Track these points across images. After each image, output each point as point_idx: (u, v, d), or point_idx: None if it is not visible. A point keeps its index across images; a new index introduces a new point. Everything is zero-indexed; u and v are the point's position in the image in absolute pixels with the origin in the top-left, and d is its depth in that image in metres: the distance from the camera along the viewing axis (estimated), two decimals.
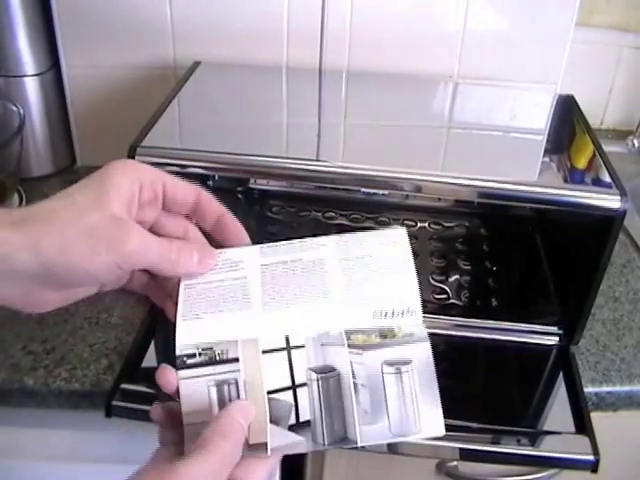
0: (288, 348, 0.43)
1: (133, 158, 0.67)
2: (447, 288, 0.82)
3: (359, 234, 0.47)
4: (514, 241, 0.91)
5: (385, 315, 0.43)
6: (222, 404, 0.41)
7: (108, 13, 0.91)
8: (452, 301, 0.80)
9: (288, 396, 0.42)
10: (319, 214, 0.94)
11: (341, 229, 0.92)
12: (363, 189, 0.88)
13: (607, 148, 0.75)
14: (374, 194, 0.94)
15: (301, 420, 0.41)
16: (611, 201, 0.64)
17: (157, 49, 0.94)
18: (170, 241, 0.44)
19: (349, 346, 0.42)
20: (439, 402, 0.42)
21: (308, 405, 0.42)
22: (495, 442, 0.65)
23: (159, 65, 0.95)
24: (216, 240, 0.47)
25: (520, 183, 0.66)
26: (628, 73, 1.14)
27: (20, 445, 0.72)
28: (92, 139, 1.00)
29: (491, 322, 0.75)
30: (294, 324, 0.43)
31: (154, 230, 0.46)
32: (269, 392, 0.42)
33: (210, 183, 0.87)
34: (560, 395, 0.69)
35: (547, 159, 0.74)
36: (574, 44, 0.95)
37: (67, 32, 0.92)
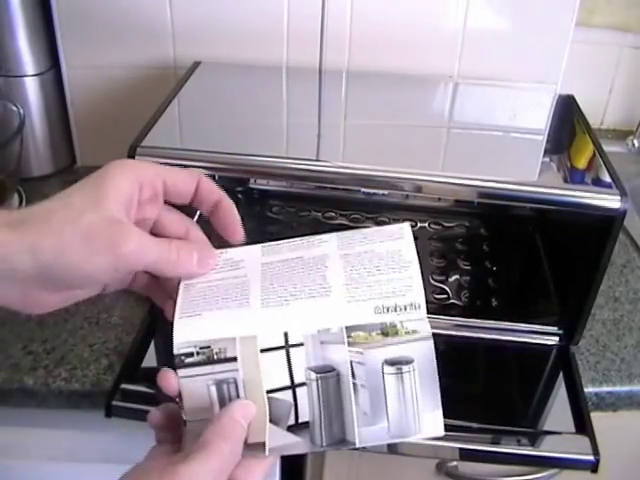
0: (287, 346, 0.42)
1: (133, 158, 0.67)
2: (447, 288, 0.82)
3: (362, 230, 0.46)
4: (514, 241, 0.91)
5: (387, 310, 0.42)
6: (222, 402, 0.41)
7: (108, 13, 0.91)
8: (452, 301, 0.80)
9: (288, 395, 0.41)
10: (319, 214, 0.94)
11: (341, 229, 0.91)
12: (363, 189, 0.88)
13: (607, 148, 0.75)
14: (374, 194, 0.94)
15: (300, 421, 0.41)
16: (611, 201, 0.64)
17: (157, 49, 0.94)
18: (169, 242, 0.43)
19: (349, 344, 0.41)
20: (439, 402, 0.41)
21: (307, 405, 0.41)
22: (495, 442, 0.65)
23: (159, 65, 0.95)
24: (212, 226, 0.47)
25: (520, 183, 0.66)
26: (628, 73, 1.14)
27: (20, 445, 0.72)
28: (92, 139, 1.00)
29: (491, 322, 0.75)
30: (293, 321, 0.42)
31: (155, 229, 0.46)
32: (268, 391, 0.41)
33: None
34: (560, 395, 0.69)
35: (547, 159, 0.74)
36: (574, 44, 0.95)
37: (67, 32, 0.92)
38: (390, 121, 0.80)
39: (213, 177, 0.87)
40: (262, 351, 0.41)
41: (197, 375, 0.41)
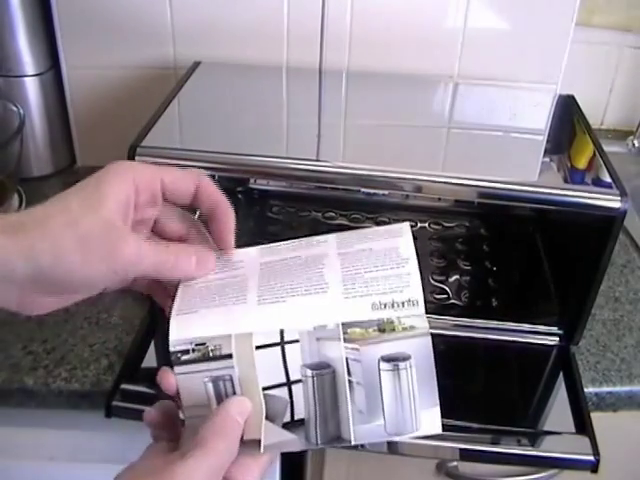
0: (282, 343, 0.41)
1: (133, 158, 0.67)
2: (447, 288, 0.82)
3: (361, 230, 0.46)
4: (514, 241, 0.91)
5: (385, 306, 0.41)
6: (219, 399, 0.41)
7: (108, 13, 0.91)
8: (452, 301, 0.80)
9: (283, 392, 0.41)
10: (319, 214, 0.94)
11: (341, 229, 0.91)
12: (363, 189, 0.87)
13: (607, 148, 0.75)
14: (374, 194, 0.94)
15: (296, 418, 0.41)
16: (611, 201, 0.64)
17: (157, 49, 0.94)
18: (167, 246, 0.43)
19: (346, 341, 0.41)
20: (437, 399, 0.41)
21: (303, 402, 0.41)
22: (495, 442, 0.65)
23: (159, 65, 0.95)
24: (208, 226, 0.47)
25: (520, 183, 0.66)
26: (628, 73, 1.14)
27: (20, 445, 0.72)
28: (92, 139, 1.00)
29: (491, 322, 0.75)
30: (289, 318, 0.42)
31: (155, 229, 0.46)
32: (264, 388, 0.41)
33: None
34: (560, 395, 0.69)
35: (547, 159, 0.74)
36: (574, 44, 0.95)
37: (67, 32, 0.92)
38: (390, 121, 0.80)
39: (213, 177, 0.87)
40: (257, 348, 0.41)
41: (193, 372, 0.41)
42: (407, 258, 0.43)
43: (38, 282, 0.39)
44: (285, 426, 0.41)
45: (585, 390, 0.69)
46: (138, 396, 0.65)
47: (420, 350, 0.41)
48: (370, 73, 0.94)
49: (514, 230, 0.91)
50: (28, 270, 0.38)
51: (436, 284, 0.82)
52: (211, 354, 0.41)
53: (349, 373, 0.41)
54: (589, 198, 0.65)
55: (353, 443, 0.41)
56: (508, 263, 0.87)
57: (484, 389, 0.73)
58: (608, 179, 0.68)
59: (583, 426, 0.65)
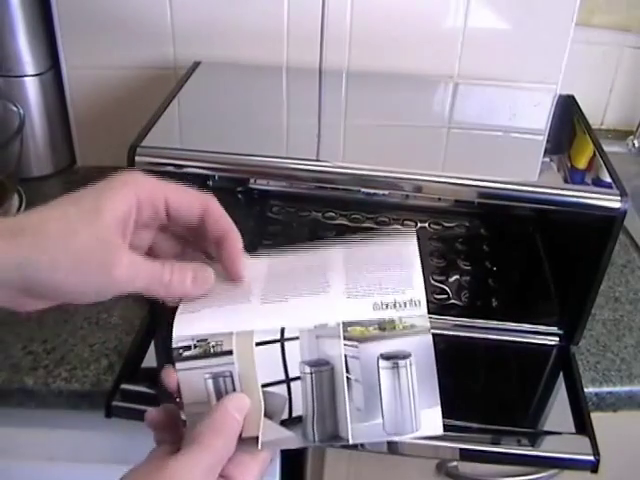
0: (282, 340, 0.41)
1: (133, 158, 0.67)
2: (447, 288, 0.82)
3: (366, 236, 0.46)
4: (514, 241, 0.91)
5: (386, 306, 0.41)
6: (219, 396, 0.41)
7: (108, 13, 0.91)
8: (452, 301, 0.80)
9: (282, 389, 0.41)
10: (319, 214, 0.94)
11: (341, 229, 0.92)
12: (363, 189, 0.88)
13: (607, 148, 0.75)
14: (374, 194, 0.94)
15: (294, 415, 0.41)
16: (611, 201, 0.64)
17: (157, 49, 0.94)
18: (162, 264, 0.42)
19: (345, 338, 0.40)
20: (438, 399, 0.41)
21: (301, 399, 0.41)
22: (495, 442, 0.65)
23: (159, 65, 0.95)
24: (214, 254, 0.45)
25: (520, 183, 0.66)
26: (628, 73, 1.14)
27: (20, 445, 0.72)
28: (92, 139, 1.00)
29: (491, 322, 0.75)
30: (290, 316, 0.42)
31: (150, 247, 0.45)
32: (263, 385, 0.41)
33: (210, 183, 0.87)
34: (560, 395, 0.69)
35: (547, 159, 0.74)
36: (574, 44, 0.95)
37: (67, 32, 0.92)
38: (390, 121, 0.80)
39: (213, 177, 0.87)
40: (257, 345, 0.41)
41: (194, 368, 0.41)
42: (411, 261, 0.43)
43: (27, 290, 0.39)
44: (283, 423, 0.41)
45: (585, 390, 0.69)
46: (138, 396, 0.65)
47: (421, 348, 0.40)
48: (370, 73, 0.94)
49: (514, 230, 0.91)
50: (18, 278, 0.38)
51: (436, 284, 0.82)
52: (212, 350, 0.41)
53: (348, 370, 0.40)
54: (589, 198, 0.65)
55: (351, 442, 0.40)
56: (508, 263, 0.87)
57: (484, 389, 0.73)
58: (608, 179, 0.68)
59: (583, 426, 0.65)
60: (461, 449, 0.64)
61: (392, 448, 0.64)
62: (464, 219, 0.95)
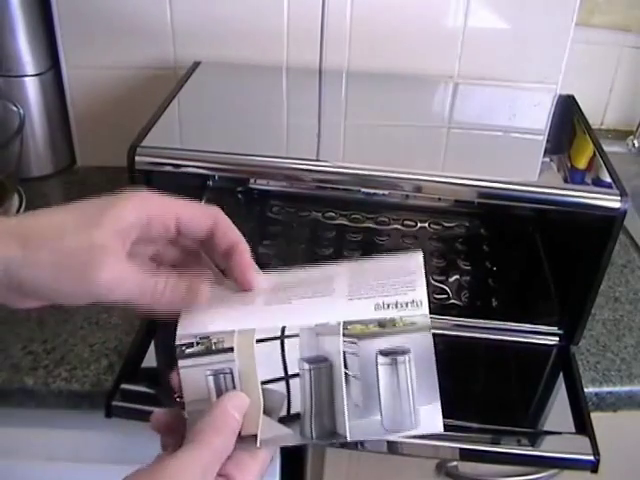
0: (282, 337, 0.41)
1: (133, 158, 0.67)
2: (447, 288, 0.82)
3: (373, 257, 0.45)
4: (514, 241, 0.91)
5: (388, 307, 0.41)
6: (219, 393, 0.41)
7: (108, 13, 0.91)
8: (452, 301, 0.80)
9: (281, 387, 0.41)
10: (319, 214, 0.94)
11: (341, 229, 0.92)
12: (363, 189, 0.88)
13: (607, 148, 0.75)
14: (374, 194, 0.94)
15: (292, 412, 0.41)
16: (611, 201, 0.64)
17: (157, 49, 0.94)
18: (155, 274, 0.41)
19: (345, 335, 0.40)
20: (438, 396, 0.40)
21: (300, 396, 0.41)
22: (495, 442, 0.65)
23: (159, 65, 0.95)
24: (225, 269, 0.45)
25: (520, 183, 0.66)
26: (628, 73, 1.14)
27: (20, 445, 0.72)
28: (92, 139, 1.00)
29: (491, 322, 0.75)
30: (292, 316, 0.42)
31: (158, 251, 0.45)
32: (263, 382, 0.41)
33: (210, 183, 0.87)
34: (560, 395, 0.69)
35: (547, 159, 0.74)
36: (574, 44, 0.95)
37: (67, 32, 0.92)
38: (390, 121, 0.80)
39: (213, 177, 0.87)
40: (258, 342, 0.41)
41: (196, 365, 0.41)
42: (415, 270, 0.43)
43: (14, 287, 0.39)
44: (281, 421, 0.41)
45: (585, 390, 0.69)
46: (138, 396, 0.65)
47: (420, 345, 0.40)
48: (370, 73, 0.94)
49: (514, 230, 0.91)
50: (3, 275, 0.38)
51: (436, 284, 0.82)
52: (214, 347, 0.41)
53: (346, 367, 0.40)
54: (589, 198, 0.65)
55: (349, 439, 0.40)
56: (508, 263, 0.87)
57: (484, 389, 0.73)
58: (608, 179, 0.68)
59: (583, 426, 0.65)
60: (461, 449, 0.64)
61: (392, 448, 0.64)
62: (464, 219, 0.95)
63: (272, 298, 0.43)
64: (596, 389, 0.70)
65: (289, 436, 0.40)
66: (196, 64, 0.89)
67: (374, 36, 0.93)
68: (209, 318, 0.43)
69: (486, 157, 0.73)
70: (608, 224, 0.65)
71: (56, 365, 0.68)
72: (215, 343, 0.41)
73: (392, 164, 0.67)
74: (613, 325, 0.78)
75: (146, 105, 0.75)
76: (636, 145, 1.13)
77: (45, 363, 0.68)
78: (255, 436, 0.40)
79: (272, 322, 0.42)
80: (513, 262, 0.88)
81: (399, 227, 0.93)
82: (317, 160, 0.68)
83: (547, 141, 0.79)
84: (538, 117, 0.87)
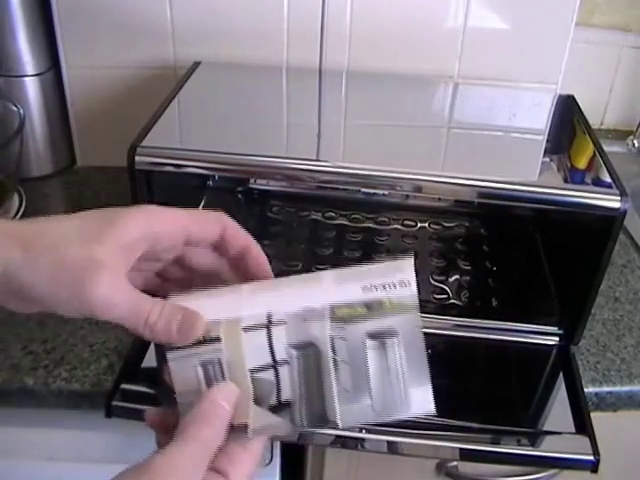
0: (269, 325, 0.40)
1: (133, 158, 0.67)
2: (447, 288, 0.82)
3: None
4: (514, 241, 0.92)
5: (375, 288, 0.40)
6: (210, 384, 0.40)
7: (108, 13, 0.91)
8: (452, 301, 0.80)
9: (270, 375, 0.40)
10: (319, 214, 0.94)
11: (341, 229, 0.92)
12: (363, 189, 0.88)
13: (607, 148, 0.75)
14: (374, 194, 0.94)
15: (282, 400, 0.40)
16: (611, 201, 0.64)
17: (157, 49, 0.94)
18: (153, 302, 0.40)
19: (332, 319, 0.40)
20: (428, 377, 0.39)
21: (289, 384, 0.40)
22: (495, 442, 0.65)
23: (159, 65, 0.95)
24: (239, 270, 0.45)
25: (520, 183, 0.66)
26: (628, 73, 1.14)
27: (20, 445, 0.72)
28: (92, 139, 1.00)
29: (491, 322, 0.75)
30: (279, 302, 0.41)
31: (185, 265, 0.44)
32: (251, 371, 0.40)
33: (210, 183, 0.87)
34: (560, 395, 0.69)
35: (547, 159, 0.74)
36: (574, 44, 0.95)
37: (67, 32, 0.92)
38: (390, 121, 0.80)
39: (213, 177, 0.87)
40: (245, 330, 0.40)
41: (184, 357, 0.41)
42: (403, 262, 0.42)
43: (12, 290, 0.39)
44: (272, 409, 0.40)
45: (585, 390, 0.69)
46: (138, 396, 0.65)
47: (409, 326, 0.40)
48: (370, 73, 0.94)
49: (514, 230, 0.91)
50: (3, 276, 0.38)
51: (436, 284, 0.82)
52: (202, 337, 0.41)
53: (334, 351, 0.40)
54: (589, 198, 0.65)
55: (340, 425, 0.40)
56: (508, 263, 0.87)
57: (484, 389, 0.73)
58: (608, 179, 0.68)
59: (583, 426, 0.65)
60: (461, 449, 0.64)
61: (392, 448, 0.64)
62: (464, 219, 0.95)
63: (258, 287, 0.43)
64: (596, 389, 0.70)
65: (280, 424, 0.40)
66: (196, 64, 0.89)
67: (374, 36, 0.93)
68: (195, 308, 0.42)
69: (486, 157, 0.73)
70: (608, 224, 0.65)
71: (56, 365, 0.68)
72: (203, 334, 0.41)
73: (392, 164, 0.67)
74: (613, 325, 0.78)
75: (146, 105, 0.75)
76: (636, 145, 1.13)
77: (45, 363, 0.68)
78: (246, 426, 0.39)
79: (258, 309, 0.41)
80: (513, 262, 0.88)
81: (399, 227, 0.93)
82: (317, 160, 0.68)
83: (547, 141, 0.79)
84: (538, 117, 0.87)
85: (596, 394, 0.70)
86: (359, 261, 0.42)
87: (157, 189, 0.70)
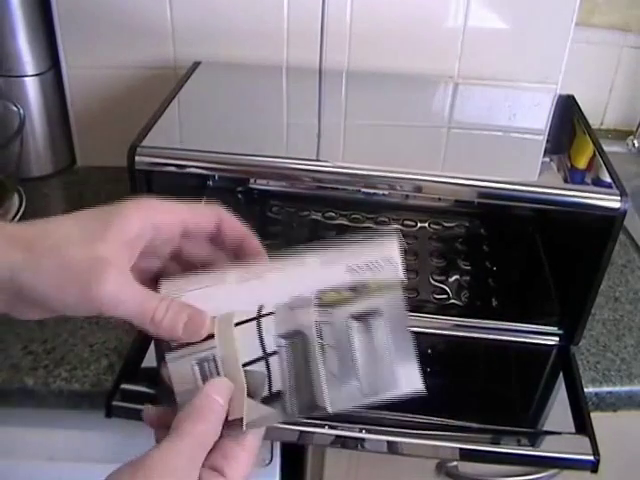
0: (258, 317, 0.41)
1: (133, 158, 0.67)
2: (447, 288, 0.82)
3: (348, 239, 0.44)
4: (514, 241, 0.91)
5: (359, 267, 0.41)
6: (205, 381, 0.41)
7: (108, 13, 0.91)
8: (452, 301, 0.80)
9: (261, 366, 0.40)
10: (319, 214, 0.94)
11: (341, 229, 0.92)
12: (363, 189, 0.88)
13: (607, 148, 0.75)
14: (374, 194, 0.94)
15: (273, 390, 0.40)
16: (611, 201, 0.64)
17: (157, 49, 0.94)
18: (159, 299, 0.40)
19: (318, 305, 0.40)
20: (414, 355, 0.39)
21: (280, 374, 0.40)
22: (495, 442, 0.65)
23: (159, 65, 0.95)
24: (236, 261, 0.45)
25: (520, 183, 0.66)
26: (628, 73, 1.14)
27: (20, 445, 0.72)
28: (92, 139, 1.00)
29: (491, 322, 0.75)
30: (267, 292, 0.41)
31: (182, 257, 0.44)
32: (244, 365, 0.40)
33: (210, 183, 0.87)
34: (560, 395, 0.69)
35: (547, 159, 0.74)
36: (574, 44, 0.95)
37: (67, 32, 0.92)
38: (390, 121, 0.80)
39: (213, 177, 0.87)
40: (236, 325, 0.41)
41: (181, 357, 0.41)
42: (388, 240, 0.42)
43: (18, 295, 0.39)
44: (264, 401, 0.40)
45: (585, 390, 0.69)
46: (138, 396, 0.65)
47: (392, 304, 0.40)
48: (370, 73, 0.94)
49: (514, 230, 0.91)
50: (8, 283, 0.38)
51: (436, 284, 0.82)
52: None
53: (321, 337, 0.40)
54: (589, 198, 0.65)
55: (330, 410, 0.39)
56: (508, 263, 0.87)
57: (484, 389, 0.73)
58: (608, 179, 0.68)
59: (583, 426, 0.65)
60: (461, 449, 0.63)
61: (392, 448, 0.64)
62: (464, 219, 0.95)
63: (243, 274, 0.43)
64: (596, 389, 0.70)
65: (273, 415, 0.40)
66: (196, 64, 0.89)
67: (374, 36, 0.93)
68: (191, 302, 0.42)
69: (486, 157, 0.73)
70: (608, 224, 0.65)
71: (56, 365, 0.68)
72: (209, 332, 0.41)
73: (392, 164, 0.67)
74: (613, 325, 0.78)
75: (146, 105, 0.75)
76: (636, 145, 1.13)
77: (45, 363, 0.68)
78: (241, 420, 0.39)
79: (249, 302, 0.41)
80: (513, 262, 0.88)
81: (399, 227, 0.93)
82: (317, 160, 0.68)
83: (547, 141, 0.79)
84: (538, 117, 0.87)
85: (596, 394, 0.70)
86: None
87: (157, 189, 0.70)
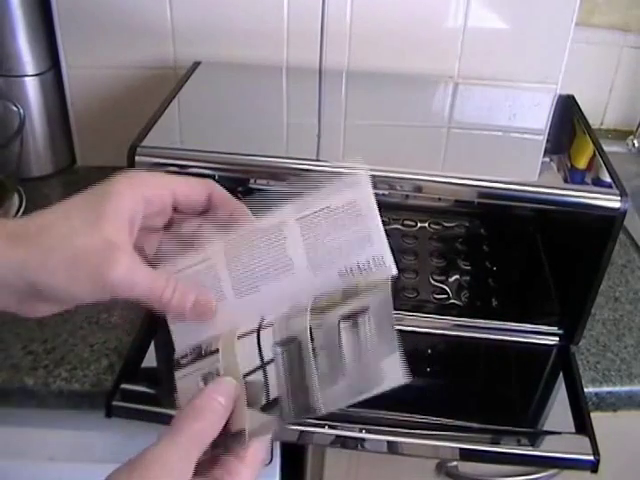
0: (259, 329, 0.42)
1: (133, 158, 0.67)
2: (447, 288, 0.82)
3: (318, 186, 0.44)
4: (514, 241, 0.92)
5: (351, 270, 0.41)
6: None
7: (108, 13, 0.91)
8: (452, 301, 0.80)
9: (259, 375, 0.41)
10: None
11: None
12: None
13: (607, 148, 0.75)
14: (374, 194, 0.94)
15: (271, 398, 0.41)
16: (611, 201, 0.64)
17: (157, 49, 0.94)
18: (166, 280, 0.41)
19: (312, 310, 0.41)
20: (396, 345, 0.39)
21: (276, 381, 0.41)
22: (495, 442, 0.65)
23: (159, 65, 0.95)
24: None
25: (520, 183, 0.66)
26: (628, 73, 1.14)
27: (20, 445, 0.72)
28: (92, 139, 1.00)
29: (491, 322, 0.75)
30: (267, 306, 0.42)
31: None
32: (244, 375, 0.41)
33: None
34: (560, 395, 0.69)
35: (547, 159, 0.74)
36: (574, 44, 0.95)
37: (67, 32, 0.92)
38: (390, 121, 0.80)
39: (213, 177, 0.87)
40: (238, 338, 0.42)
41: (189, 374, 0.42)
42: (365, 213, 0.42)
43: (30, 292, 0.39)
44: (263, 409, 0.41)
45: (585, 390, 0.69)
46: (138, 396, 0.65)
47: (378, 298, 0.40)
48: (370, 73, 0.94)
49: (514, 230, 0.91)
50: (19, 282, 0.38)
51: (436, 284, 0.82)
52: (203, 352, 0.42)
53: (313, 340, 0.40)
54: (589, 198, 0.65)
55: (323, 411, 0.40)
56: (508, 263, 0.87)
57: (484, 389, 0.73)
58: (608, 179, 0.68)
59: (583, 426, 0.65)
60: (461, 449, 0.64)
61: (392, 448, 0.64)
62: (464, 219, 0.95)
63: (237, 285, 0.43)
64: (596, 389, 0.70)
65: (272, 422, 0.40)
66: (196, 64, 0.89)
67: (374, 36, 0.93)
68: (195, 325, 0.43)
69: (486, 157, 0.73)
70: (608, 224, 0.65)
71: (56, 365, 0.68)
72: (204, 349, 0.42)
73: (392, 164, 0.67)
74: (613, 325, 0.78)
75: (146, 105, 0.75)
76: (636, 145, 1.13)
77: (45, 363, 0.68)
78: (242, 430, 0.40)
79: (251, 318, 0.42)
80: (513, 262, 0.88)
81: (399, 227, 0.93)
82: (317, 160, 0.68)
83: (547, 141, 0.79)
84: (538, 117, 0.87)
85: (596, 394, 0.70)
86: None
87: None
